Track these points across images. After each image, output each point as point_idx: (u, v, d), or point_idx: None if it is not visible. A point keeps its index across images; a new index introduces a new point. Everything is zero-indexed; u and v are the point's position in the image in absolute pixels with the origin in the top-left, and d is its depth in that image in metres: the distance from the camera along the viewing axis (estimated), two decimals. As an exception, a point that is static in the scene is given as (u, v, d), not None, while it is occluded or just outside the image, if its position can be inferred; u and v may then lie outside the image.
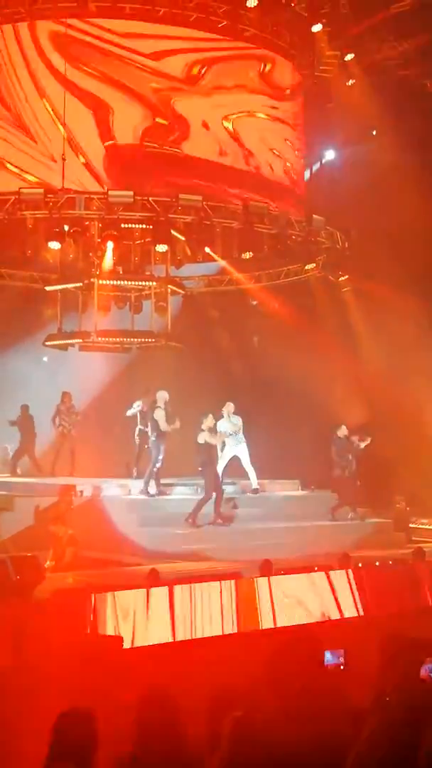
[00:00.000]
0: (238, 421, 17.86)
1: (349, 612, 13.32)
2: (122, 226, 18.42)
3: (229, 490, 17.88)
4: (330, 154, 23.26)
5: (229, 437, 17.63)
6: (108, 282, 20.05)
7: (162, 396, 17.45)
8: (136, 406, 19.43)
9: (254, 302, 23.17)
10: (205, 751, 4.69)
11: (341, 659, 4.92)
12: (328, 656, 4.81)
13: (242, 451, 17.87)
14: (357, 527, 17.68)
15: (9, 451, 21.69)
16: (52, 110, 18.50)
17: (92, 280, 19.76)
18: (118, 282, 20.35)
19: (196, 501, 16.32)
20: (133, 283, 20.59)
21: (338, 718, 3.82)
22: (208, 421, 16.58)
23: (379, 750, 3.85)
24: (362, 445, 18.07)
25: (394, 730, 3.93)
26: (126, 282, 20.47)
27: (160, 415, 17.08)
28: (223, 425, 17.55)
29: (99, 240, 18.75)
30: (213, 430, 16.67)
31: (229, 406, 17.93)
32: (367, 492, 18.66)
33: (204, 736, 4.73)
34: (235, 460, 17.94)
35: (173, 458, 17.91)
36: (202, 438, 16.31)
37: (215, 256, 20.65)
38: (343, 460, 17.90)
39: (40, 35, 18.65)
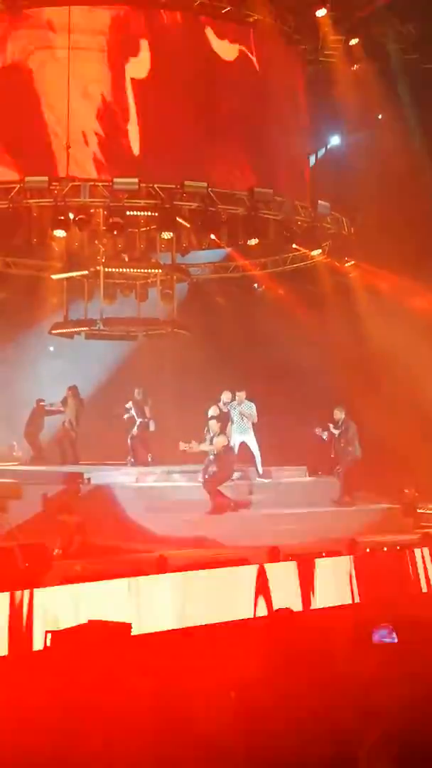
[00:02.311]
0: (250, 408, 17.96)
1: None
2: (127, 213, 18.37)
3: (233, 476, 17.97)
4: (335, 140, 23.19)
5: (235, 425, 17.77)
6: (114, 270, 20.06)
7: (226, 396, 17.61)
8: (129, 407, 19.68)
9: (256, 286, 23.14)
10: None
11: (392, 636, 4.89)
12: (378, 634, 4.80)
13: (250, 439, 17.98)
14: (365, 513, 17.68)
15: (16, 449, 21.76)
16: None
17: (98, 268, 19.77)
18: (124, 270, 20.36)
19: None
20: (138, 270, 20.59)
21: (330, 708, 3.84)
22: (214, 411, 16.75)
23: (393, 747, 3.85)
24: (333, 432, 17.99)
25: (407, 725, 3.93)
26: (132, 269, 20.47)
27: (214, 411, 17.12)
28: (234, 411, 17.74)
29: (104, 228, 18.72)
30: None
31: (241, 395, 18.02)
32: (376, 478, 18.68)
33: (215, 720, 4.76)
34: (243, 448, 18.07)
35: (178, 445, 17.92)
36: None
37: (221, 243, 20.60)
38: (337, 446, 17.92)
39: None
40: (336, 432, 17.84)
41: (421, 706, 3.98)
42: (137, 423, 19.71)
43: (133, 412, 19.78)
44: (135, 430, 19.74)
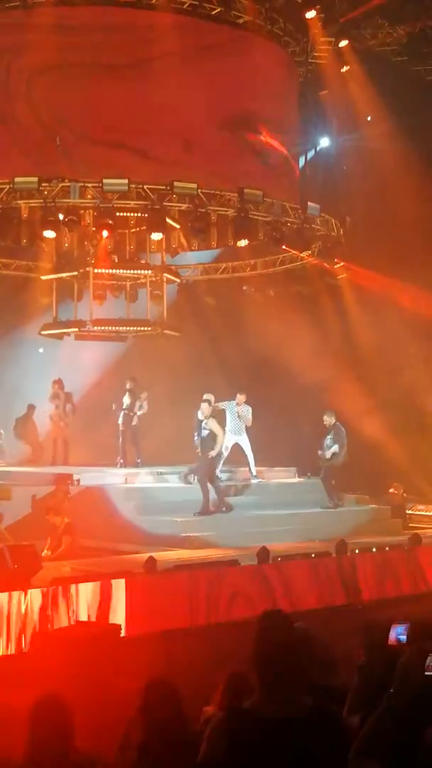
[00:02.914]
0: (247, 412, 17.99)
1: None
2: (117, 214, 18.37)
3: (224, 477, 18.00)
4: (324, 141, 23.19)
5: (228, 425, 17.81)
6: (103, 271, 20.06)
7: (209, 397, 17.62)
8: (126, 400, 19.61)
9: (245, 288, 23.14)
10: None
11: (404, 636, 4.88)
12: (395, 631, 4.78)
13: (244, 440, 18.00)
14: (354, 514, 17.71)
15: (3, 436, 21.75)
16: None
17: (87, 269, 19.75)
18: (114, 271, 20.35)
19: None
20: (128, 271, 20.58)
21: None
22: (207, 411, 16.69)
23: (380, 742, 3.86)
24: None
25: (396, 723, 3.94)
26: (121, 270, 20.47)
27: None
28: (229, 408, 17.78)
29: (94, 229, 18.71)
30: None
31: (241, 397, 18.05)
32: (365, 479, 18.72)
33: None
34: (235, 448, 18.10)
35: (169, 446, 17.95)
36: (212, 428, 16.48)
37: (211, 244, 20.58)
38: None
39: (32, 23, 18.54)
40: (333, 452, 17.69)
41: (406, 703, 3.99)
42: (122, 413, 19.54)
43: (125, 399, 19.61)
44: (120, 422, 19.58)
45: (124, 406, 19.53)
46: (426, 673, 4.36)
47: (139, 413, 19.45)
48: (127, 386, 19.69)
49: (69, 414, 20.85)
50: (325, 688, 4.73)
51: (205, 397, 17.19)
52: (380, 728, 3.92)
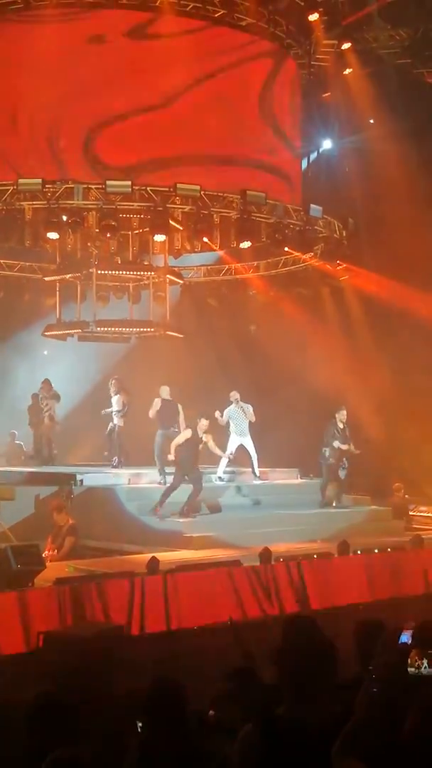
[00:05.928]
0: (248, 407, 17.97)
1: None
2: (120, 216, 18.44)
3: (226, 478, 18.04)
4: (327, 144, 23.26)
5: (233, 427, 17.80)
6: (106, 272, 20.12)
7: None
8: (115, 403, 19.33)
9: (252, 292, 23.22)
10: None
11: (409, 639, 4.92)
12: (405, 635, 4.81)
13: (248, 441, 17.98)
14: (356, 515, 17.74)
15: (17, 437, 21.82)
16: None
17: (91, 270, 19.82)
18: (117, 272, 20.42)
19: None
20: (131, 273, 20.65)
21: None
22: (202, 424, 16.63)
23: (360, 737, 3.91)
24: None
25: (375, 712, 3.99)
26: (124, 272, 20.53)
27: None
28: (232, 412, 17.76)
29: (97, 230, 18.78)
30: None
31: (235, 394, 18.00)
32: (366, 480, 18.75)
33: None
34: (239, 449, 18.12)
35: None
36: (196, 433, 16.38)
37: (213, 246, 20.66)
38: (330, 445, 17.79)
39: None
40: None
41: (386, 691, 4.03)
42: (116, 413, 19.21)
43: (114, 401, 19.30)
44: (116, 422, 19.22)
45: (115, 409, 19.16)
46: (399, 644, 4.39)
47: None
48: (111, 388, 19.26)
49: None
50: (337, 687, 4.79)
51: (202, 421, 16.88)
52: (361, 722, 3.96)
